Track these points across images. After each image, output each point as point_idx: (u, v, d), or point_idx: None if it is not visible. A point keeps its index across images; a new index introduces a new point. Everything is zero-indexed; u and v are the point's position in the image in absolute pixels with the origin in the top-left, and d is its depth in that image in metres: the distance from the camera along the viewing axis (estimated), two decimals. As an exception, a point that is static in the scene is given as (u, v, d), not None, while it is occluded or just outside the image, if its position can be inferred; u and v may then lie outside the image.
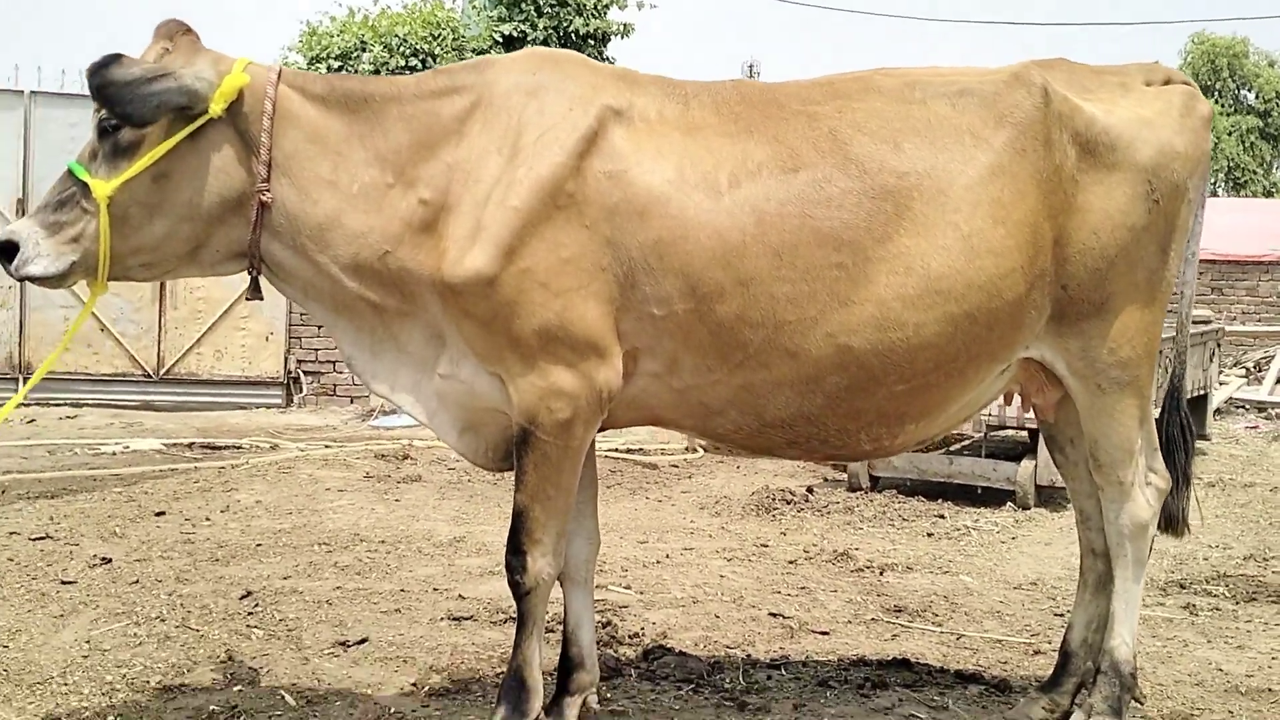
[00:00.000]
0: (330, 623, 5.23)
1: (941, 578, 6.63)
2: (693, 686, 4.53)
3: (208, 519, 7.41)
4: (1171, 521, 4.31)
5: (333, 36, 18.15)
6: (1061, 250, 3.84)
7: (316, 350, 13.97)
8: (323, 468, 9.57)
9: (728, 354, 3.66)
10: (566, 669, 4.07)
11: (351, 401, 13.94)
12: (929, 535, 7.85)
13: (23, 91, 13.47)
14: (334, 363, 13.95)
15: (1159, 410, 4.43)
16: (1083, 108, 3.90)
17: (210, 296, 13.52)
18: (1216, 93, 38.43)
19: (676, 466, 10.39)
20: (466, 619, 5.35)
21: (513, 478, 3.79)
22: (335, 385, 14.06)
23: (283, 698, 4.25)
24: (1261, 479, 10.03)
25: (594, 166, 3.61)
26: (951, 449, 9.71)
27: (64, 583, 5.71)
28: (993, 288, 3.69)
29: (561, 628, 4.16)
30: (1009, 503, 8.80)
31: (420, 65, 17.85)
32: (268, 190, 3.65)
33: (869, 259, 3.61)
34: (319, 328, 13.85)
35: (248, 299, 3.87)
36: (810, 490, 9.13)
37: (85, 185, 3.59)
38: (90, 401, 12.99)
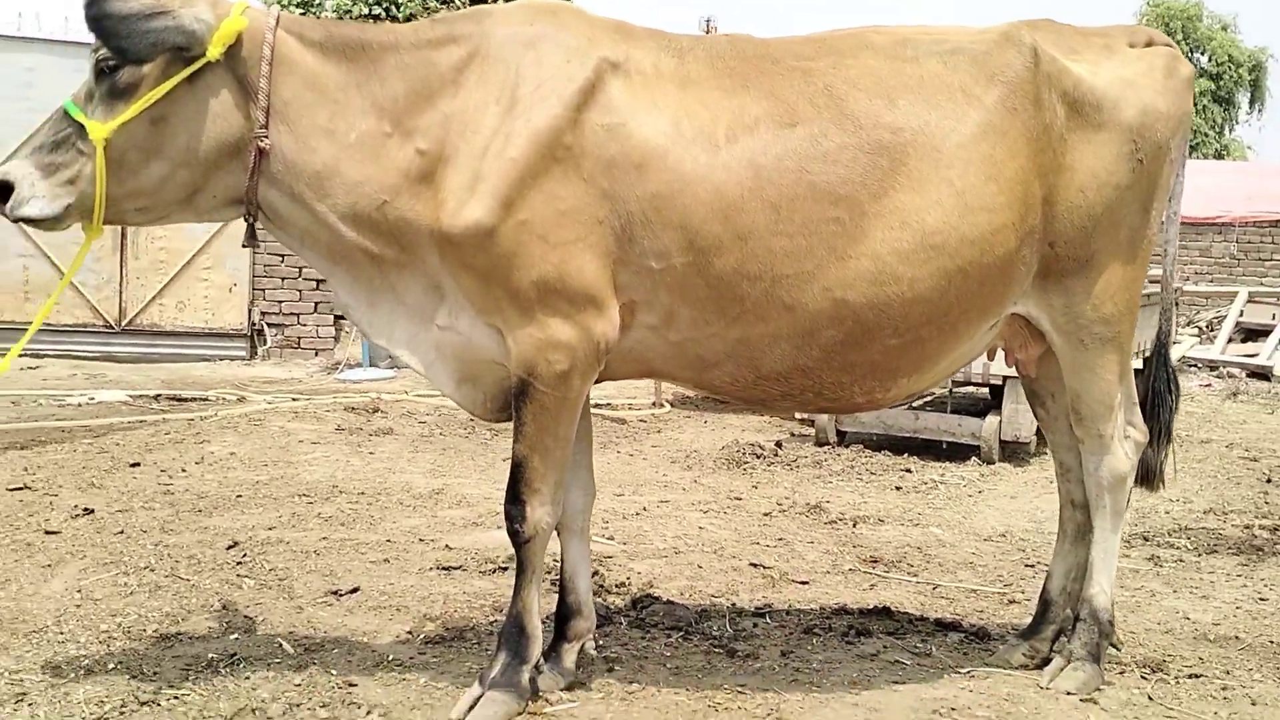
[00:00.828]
0: (320, 572, 5.27)
1: (913, 530, 6.77)
2: (682, 634, 4.61)
3: (183, 470, 7.40)
4: (1149, 475, 4.44)
5: (294, -18, 17.92)
6: (1050, 208, 3.92)
7: (280, 303, 13.90)
8: (293, 420, 9.56)
9: (725, 307, 3.71)
10: (564, 616, 4.14)
11: (316, 354, 13.90)
12: (897, 489, 8.00)
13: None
14: (298, 315, 13.89)
15: (1142, 365, 4.54)
16: (1070, 68, 3.97)
17: (172, 247, 13.39)
18: (1171, 56, 38.83)
19: (644, 421, 10.48)
20: (455, 569, 5.41)
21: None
22: (299, 338, 14.00)
23: (280, 645, 4.29)
24: (1217, 435, 10.27)
25: (591, 119, 3.63)
26: (916, 404, 9.86)
27: (48, 533, 5.69)
28: (985, 243, 3.77)
29: (558, 576, 4.23)
30: (973, 457, 8.99)
31: (384, 12, 17.67)
32: (266, 137, 3.64)
33: (865, 214, 3.67)
34: (282, 279, 13.77)
35: (244, 245, 3.87)
36: (779, 445, 9.26)
37: (81, 126, 3.57)
38: (51, 353, 12.84)
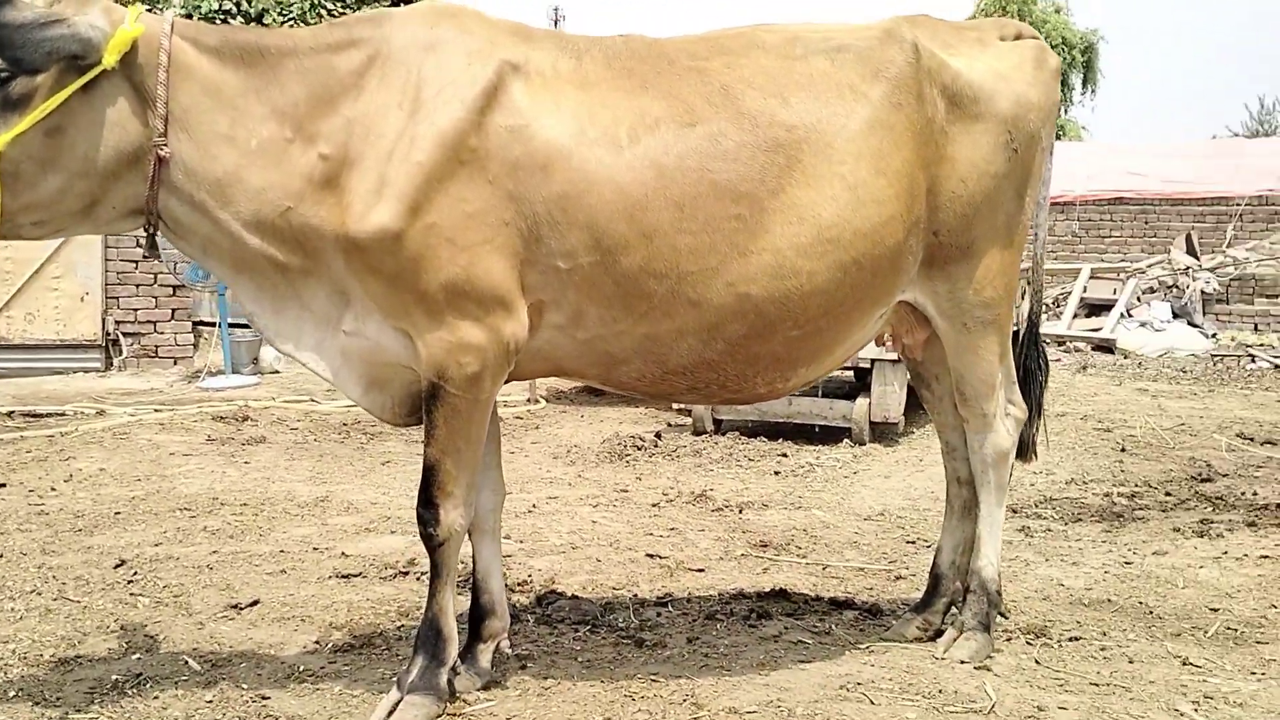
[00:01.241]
0: (216, 586, 5.17)
1: (796, 513, 6.95)
2: (589, 627, 4.67)
3: (53, 489, 7.15)
4: (1022, 448, 4.66)
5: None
6: (933, 198, 4.09)
7: (136, 310, 13.43)
8: (160, 432, 9.29)
9: (632, 305, 3.77)
10: (479, 616, 4.16)
11: (175, 363, 13.51)
12: (776, 473, 8.19)
13: None
14: (155, 323, 13.47)
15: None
16: (949, 63, 4.14)
17: (19, 256, 12.80)
18: (1007, 40, 40.10)
19: (521, 418, 10.48)
20: (355, 576, 5.36)
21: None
22: (157, 347, 13.56)
23: (186, 663, 4.20)
24: (1072, 409, 10.74)
25: (495, 121, 3.65)
26: (789, 390, 10.06)
27: (-81, 561, 5.46)
28: (876, 235, 3.91)
29: (470, 577, 4.24)
30: (845, 439, 9.23)
31: (234, 7, 17.27)
32: (165, 145, 3.57)
33: (765, 210, 3.78)
34: (137, 286, 13.34)
35: (144, 257, 3.80)
36: (658, 435, 9.37)
37: None
38: (-112, 372, 12.22)
